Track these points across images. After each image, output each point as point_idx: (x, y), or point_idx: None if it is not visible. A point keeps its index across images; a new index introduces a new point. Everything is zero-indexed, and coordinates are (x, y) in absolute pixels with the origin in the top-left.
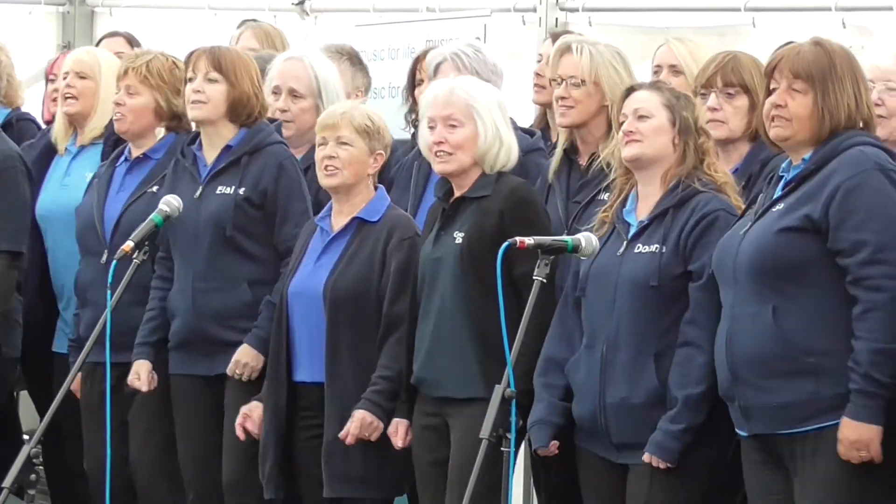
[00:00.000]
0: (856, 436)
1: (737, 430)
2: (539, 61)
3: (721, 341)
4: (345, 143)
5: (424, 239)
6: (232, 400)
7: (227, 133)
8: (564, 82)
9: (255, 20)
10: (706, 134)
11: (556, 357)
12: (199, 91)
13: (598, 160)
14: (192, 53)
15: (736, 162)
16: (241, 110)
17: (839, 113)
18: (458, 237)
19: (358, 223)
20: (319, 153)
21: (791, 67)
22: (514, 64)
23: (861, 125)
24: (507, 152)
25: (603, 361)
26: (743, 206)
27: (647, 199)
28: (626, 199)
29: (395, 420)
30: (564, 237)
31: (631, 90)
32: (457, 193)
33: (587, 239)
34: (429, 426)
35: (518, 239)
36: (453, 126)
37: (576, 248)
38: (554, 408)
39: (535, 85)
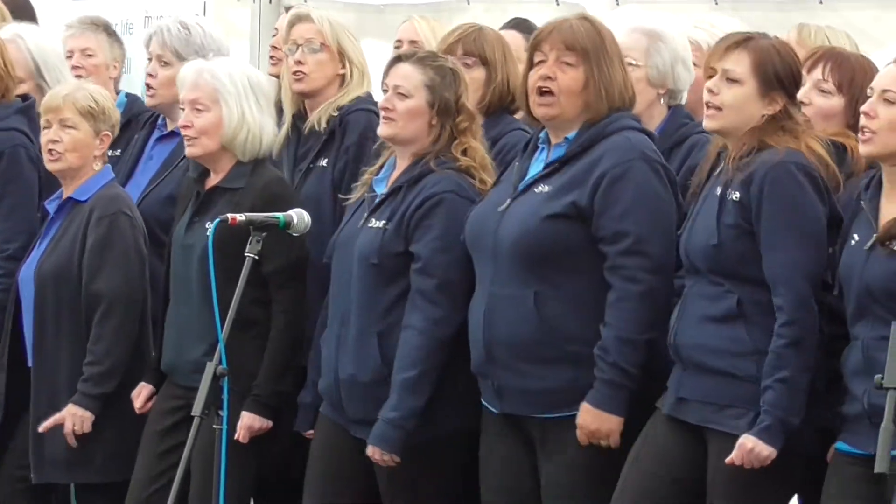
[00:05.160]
0: (596, 425)
1: (485, 404)
2: (274, 35)
3: (478, 318)
4: (68, 127)
5: (177, 220)
6: None
7: None
8: (300, 48)
9: None
10: (467, 112)
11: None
12: None
13: (309, 121)
14: None
15: None
16: None
17: (613, 90)
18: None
19: (71, 203)
20: (44, 137)
21: (564, 40)
22: (230, 41)
23: (627, 105)
24: (256, 138)
25: (338, 337)
26: (489, 187)
27: (397, 171)
28: (383, 165)
29: (141, 384)
30: (276, 213)
31: (397, 60)
32: (212, 180)
33: (299, 215)
34: (175, 409)
35: (230, 216)
36: (199, 110)
37: (287, 225)
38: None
39: (271, 58)
